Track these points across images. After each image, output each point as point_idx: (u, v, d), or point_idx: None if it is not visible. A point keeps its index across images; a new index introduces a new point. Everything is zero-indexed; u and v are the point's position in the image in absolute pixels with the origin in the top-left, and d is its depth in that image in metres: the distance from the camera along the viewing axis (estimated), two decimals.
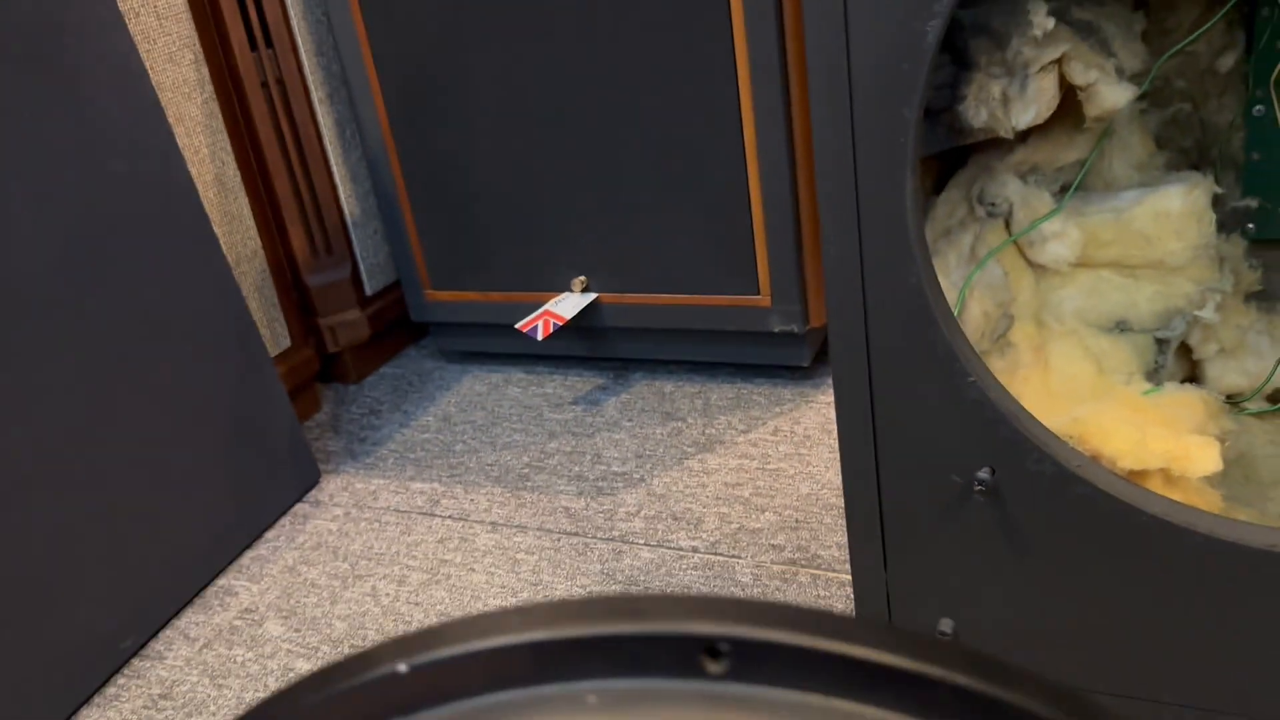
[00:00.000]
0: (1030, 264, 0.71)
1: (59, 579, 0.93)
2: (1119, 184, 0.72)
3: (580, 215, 1.26)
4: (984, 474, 0.60)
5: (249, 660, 0.97)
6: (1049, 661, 0.65)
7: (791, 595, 0.93)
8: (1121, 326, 0.72)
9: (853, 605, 0.74)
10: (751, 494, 1.09)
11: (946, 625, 0.66)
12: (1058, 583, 0.63)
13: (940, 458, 0.62)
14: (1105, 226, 0.69)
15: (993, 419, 0.59)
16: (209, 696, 0.93)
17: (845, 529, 0.91)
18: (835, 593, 0.93)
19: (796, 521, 1.03)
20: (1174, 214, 0.69)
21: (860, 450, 0.65)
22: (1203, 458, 0.61)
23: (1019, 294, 0.70)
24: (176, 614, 1.04)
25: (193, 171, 1.17)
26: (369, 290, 1.43)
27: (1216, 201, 0.70)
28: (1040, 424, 0.60)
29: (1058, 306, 0.71)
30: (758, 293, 1.21)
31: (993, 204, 0.69)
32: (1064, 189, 0.71)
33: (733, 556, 1.00)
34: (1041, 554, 0.62)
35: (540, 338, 1.25)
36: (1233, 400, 0.75)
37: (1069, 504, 0.60)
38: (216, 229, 1.18)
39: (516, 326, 1.28)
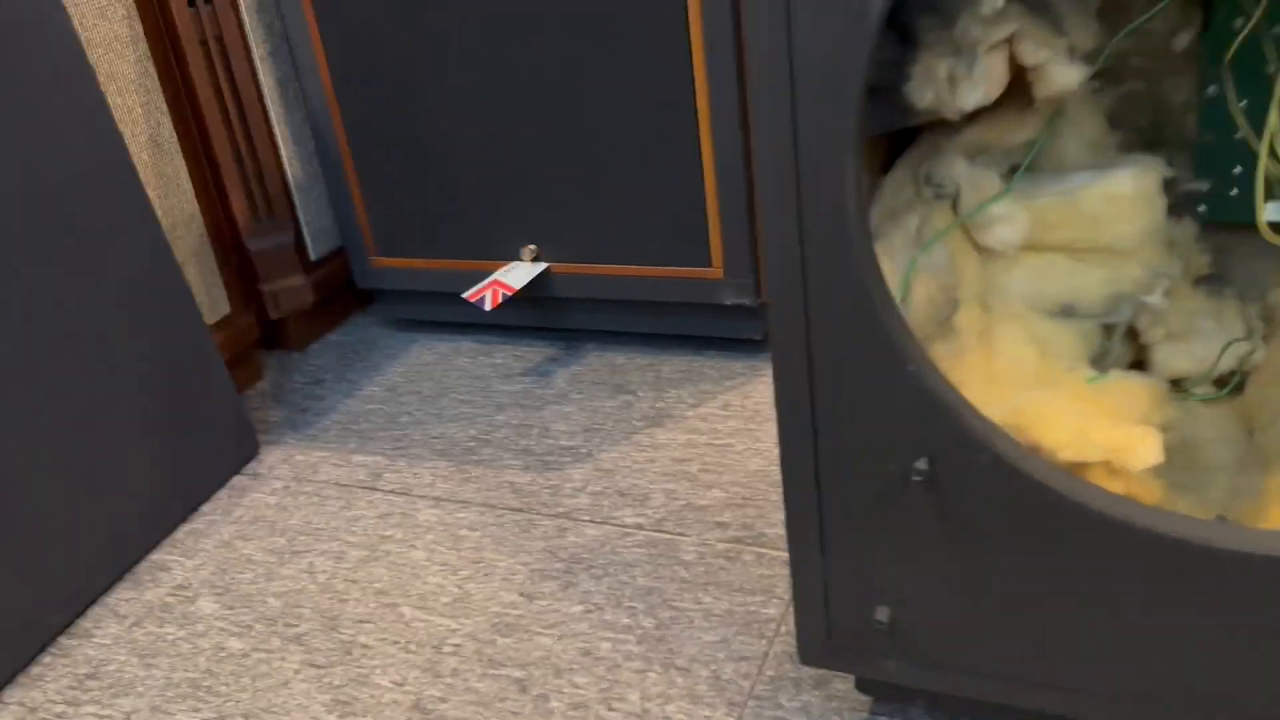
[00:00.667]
0: (976, 247, 0.70)
1: None
2: (1071, 164, 0.70)
3: (531, 183, 1.23)
4: (922, 464, 0.59)
5: (180, 639, 0.94)
6: (984, 652, 0.65)
7: (735, 575, 0.92)
8: (1068, 311, 0.70)
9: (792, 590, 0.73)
10: (699, 470, 1.08)
11: (883, 614, 0.65)
12: (995, 573, 0.62)
13: (879, 445, 0.61)
14: (1054, 209, 0.68)
15: (932, 408, 0.58)
16: (137, 677, 0.91)
17: None
18: (778, 572, 0.92)
19: (743, 498, 1.02)
20: (1124, 197, 0.67)
21: (799, 436, 0.63)
22: (1144, 450, 0.60)
23: (964, 277, 0.68)
24: (106, 590, 1.01)
25: (125, 132, 1.13)
26: (313, 255, 1.39)
27: (1167, 185, 0.69)
28: (980, 414, 0.59)
29: (1004, 290, 0.70)
30: (710, 265, 1.19)
31: (940, 185, 0.67)
32: (1014, 170, 0.69)
33: (678, 534, 0.99)
34: (979, 544, 0.61)
35: (488, 308, 1.22)
36: (1179, 384, 0.75)
37: (1007, 495, 0.59)
38: (151, 192, 1.13)
39: (464, 296, 1.25)
